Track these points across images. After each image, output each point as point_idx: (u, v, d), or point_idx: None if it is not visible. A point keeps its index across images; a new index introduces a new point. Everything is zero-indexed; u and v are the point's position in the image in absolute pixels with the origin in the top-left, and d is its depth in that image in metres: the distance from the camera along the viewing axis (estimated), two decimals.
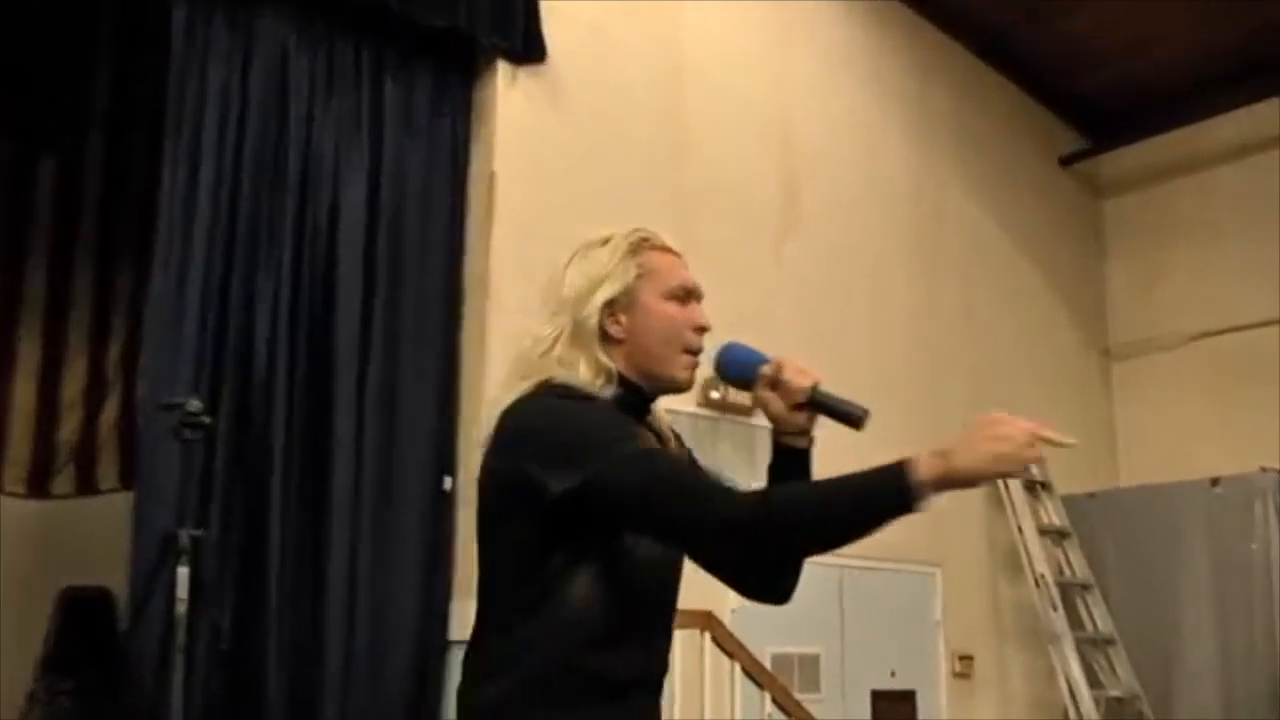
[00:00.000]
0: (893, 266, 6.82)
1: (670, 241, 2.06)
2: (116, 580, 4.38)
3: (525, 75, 5.14)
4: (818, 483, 1.80)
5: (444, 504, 4.69)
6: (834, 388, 1.96)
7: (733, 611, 4.83)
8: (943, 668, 6.51)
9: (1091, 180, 8.39)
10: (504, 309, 4.85)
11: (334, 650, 4.28)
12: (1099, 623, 6.80)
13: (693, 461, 2.05)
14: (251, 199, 4.40)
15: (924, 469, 1.67)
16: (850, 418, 1.90)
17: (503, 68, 5.09)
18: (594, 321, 1.94)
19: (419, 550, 4.58)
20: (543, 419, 1.87)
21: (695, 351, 1.99)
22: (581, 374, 1.92)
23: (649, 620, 1.96)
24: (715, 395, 5.39)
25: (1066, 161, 8.16)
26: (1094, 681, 6.56)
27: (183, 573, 3.39)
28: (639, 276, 1.97)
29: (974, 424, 1.72)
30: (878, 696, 6.09)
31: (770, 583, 2.05)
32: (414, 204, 4.81)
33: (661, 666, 2.00)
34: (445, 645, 4.58)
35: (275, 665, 4.14)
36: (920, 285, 6.95)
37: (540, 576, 1.84)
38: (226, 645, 4.02)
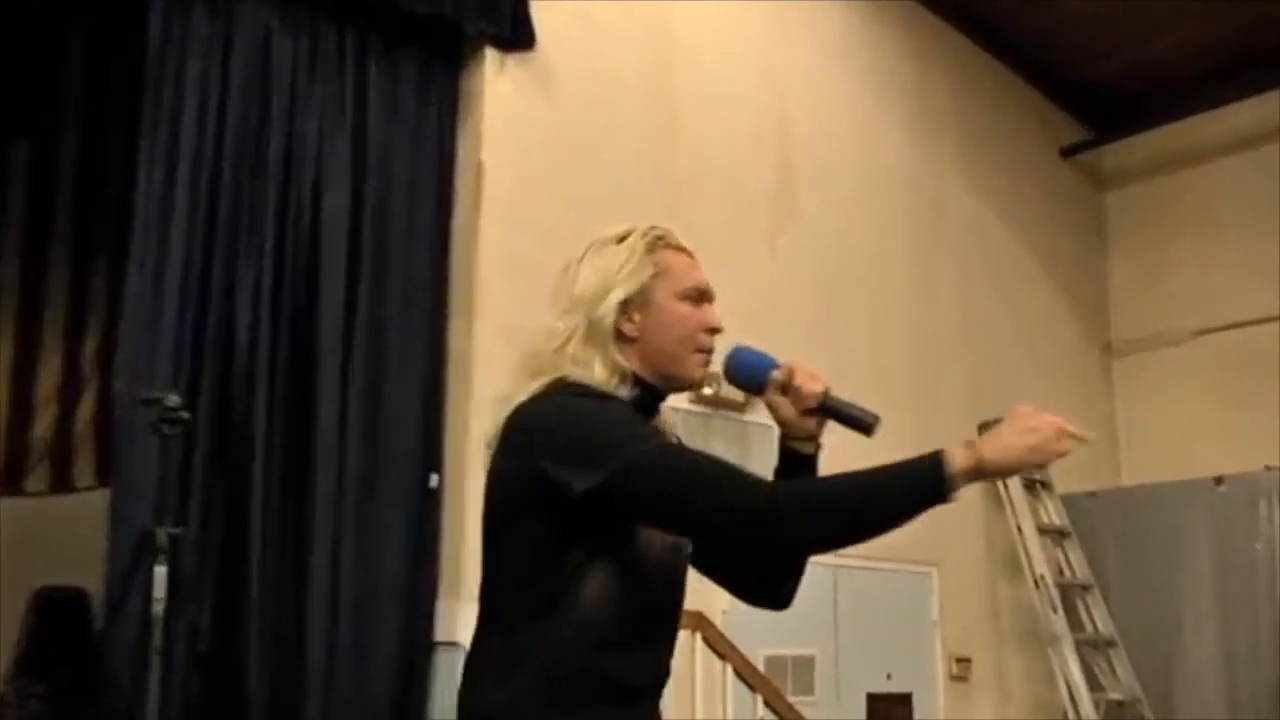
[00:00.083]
0: (890, 259, 6.77)
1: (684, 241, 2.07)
2: (92, 580, 4.31)
3: (513, 62, 5.09)
4: (853, 472, 1.79)
5: (430, 501, 4.64)
6: (832, 385, 1.98)
7: (723, 612, 4.78)
8: (940, 670, 6.48)
9: (1094, 172, 8.36)
10: (492, 300, 4.82)
11: (316, 648, 4.23)
12: (1099, 624, 6.76)
13: None
14: (232, 187, 4.34)
15: (958, 460, 1.72)
16: (861, 424, 1.92)
17: (490, 54, 5.04)
18: (610, 320, 1.94)
19: (404, 546, 4.54)
20: (562, 417, 1.87)
21: (707, 351, 2.02)
22: (597, 373, 1.92)
23: (658, 623, 1.98)
24: (708, 391, 5.32)
25: (1068, 152, 8.13)
26: (1094, 684, 6.53)
27: (160, 571, 3.36)
28: (655, 276, 1.98)
29: (1007, 418, 1.77)
30: (873, 699, 6.05)
31: (772, 587, 2.09)
32: (399, 193, 4.76)
33: (668, 670, 2.01)
34: (431, 646, 4.53)
35: (256, 664, 4.09)
36: (918, 279, 6.91)
37: (553, 577, 1.84)
38: (205, 646, 3.99)
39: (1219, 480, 6.61)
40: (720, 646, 4.80)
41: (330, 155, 4.58)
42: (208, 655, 3.97)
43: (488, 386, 4.69)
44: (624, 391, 1.93)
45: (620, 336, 1.95)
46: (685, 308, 1.99)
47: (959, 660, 6.54)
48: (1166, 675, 6.61)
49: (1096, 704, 6.37)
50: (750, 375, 2.01)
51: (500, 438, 1.91)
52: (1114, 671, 6.65)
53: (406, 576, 4.52)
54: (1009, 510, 6.79)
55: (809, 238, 6.23)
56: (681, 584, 2.02)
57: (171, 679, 3.66)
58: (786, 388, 1.97)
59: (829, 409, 1.96)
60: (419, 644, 4.50)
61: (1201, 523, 6.63)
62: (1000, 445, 1.73)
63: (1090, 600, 6.82)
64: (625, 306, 1.95)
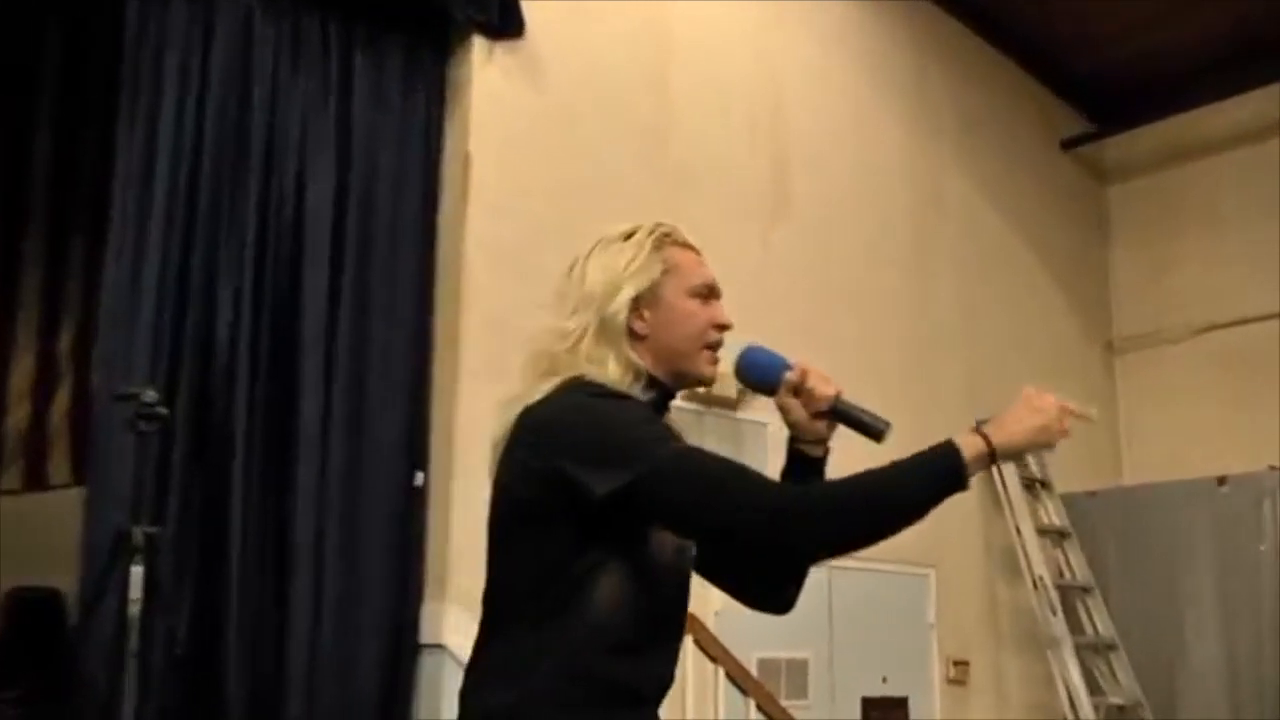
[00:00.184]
0: (886, 253, 6.72)
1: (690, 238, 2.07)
2: (66, 581, 4.30)
3: (502, 51, 5.05)
4: (868, 471, 1.80)
5: (415, 500, 4.58)
6: (844, 389, 1.99)
7: (716, 614, 4.71)
8: (936, 673, 6.44)
9: (1095, 165, 8.30)
10: (478, 293, 4.79)
11: (297, 650, 4.18)
12: (1100, 627, 6.73)
13: None
14: (212, 179, 4.30)
15: (970, 447, 1.76)
16: (871, 429, 1.92)
17: (478, 43, 4.99)
18: (622, 317, 1.94)
19: (388, 546, 4.49)
20: (581, 416, 1.86)
21: (717, 348, 2.02)
22: (611, 371, 1.92)
23: (667, 626, 1.98)
24: (700, 388, 5.26)
25: (1068, 145, 8.06)
26: (1094, 688, 6.50)
27: (136, 571, 3.32)
28: (664, 273, 1.98)
29: (1015, 401, 1.83)
30: (869, 703, 6.02)
31: (776, 591, 2.12)
32: (385, 184, 4.73)
33: (673, 675, 2.01)
34: (417, 649, 4.50)
35: (235, 667, 4.04)
36: (914, 273, 6.86)
37: (566, 579, 1.83)
38: (182, 650, 3.94)
39: (1222, 480, 6.58)
40: (712, 649, 4.75)
41: (314, 146, 4.54)
42: (185, 658, 3.93)
43: (474, 380, 4.64)
44: (639, 390, 1.93)
45: (631, 334, 1.95)
46: (694, 305, 2.00)
47: (956, 663, 6.51)
48: (1169, 677, 6.58)
49: (1097, 708, 6.33)
50: (762, 376, 2.00)
51: (511, 437, 1.89)
52: (1114, 675, 6.62)
53: (391, 577, 4.48)
54: (1008, 510, 6.74)
55: (803, 231, 6.18)
56: (688, 587, 2.03)
57: (148, 682, 3.61)
58: (798, 389, 1.97)
59: (840, 413, 1.96)
60: (405, 648, 4.47)
61: (1204, 523, 6.59)
62: (1008, 429, 1.80)
63: (1090, 602, 6.79)
64: (635, 304, 1.96)
